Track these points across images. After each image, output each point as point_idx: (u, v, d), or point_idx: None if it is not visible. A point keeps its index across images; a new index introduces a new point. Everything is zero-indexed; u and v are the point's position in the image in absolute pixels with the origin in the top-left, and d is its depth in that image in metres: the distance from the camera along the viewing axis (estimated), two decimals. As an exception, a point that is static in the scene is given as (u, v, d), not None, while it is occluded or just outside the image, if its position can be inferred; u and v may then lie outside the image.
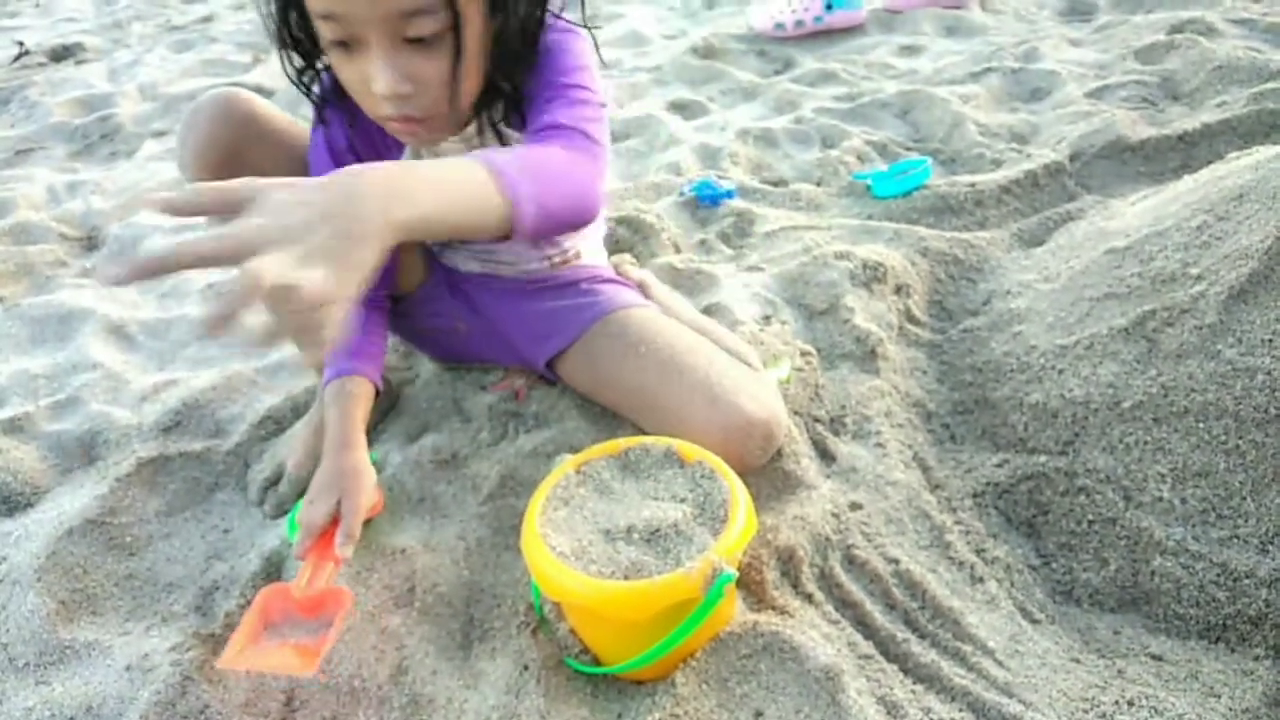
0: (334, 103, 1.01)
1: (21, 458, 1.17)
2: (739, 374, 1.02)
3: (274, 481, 1.12)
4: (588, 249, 1.22)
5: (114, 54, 3.18)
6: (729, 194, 1.73)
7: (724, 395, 0.97)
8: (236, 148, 1.01)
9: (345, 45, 0.83)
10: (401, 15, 0.79)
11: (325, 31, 0.83)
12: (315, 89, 1.02)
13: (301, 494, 1.09)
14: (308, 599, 0.85)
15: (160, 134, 2.42)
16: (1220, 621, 0.91)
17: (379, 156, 1.02)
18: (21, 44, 3.24)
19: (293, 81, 0.99)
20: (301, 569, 0.88)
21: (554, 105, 0.89)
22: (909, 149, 1.87)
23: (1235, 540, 0.94)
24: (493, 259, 1.15)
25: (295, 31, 0.92)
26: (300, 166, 1.06)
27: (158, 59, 3.03)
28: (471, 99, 0.93)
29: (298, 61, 0.97)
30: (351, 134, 1.03)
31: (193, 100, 2.52)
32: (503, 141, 0.98)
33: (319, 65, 0.99)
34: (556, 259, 1.17)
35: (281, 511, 1.09)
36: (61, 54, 3.22)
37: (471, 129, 1.00)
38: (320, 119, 1.04)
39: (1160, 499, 0.98)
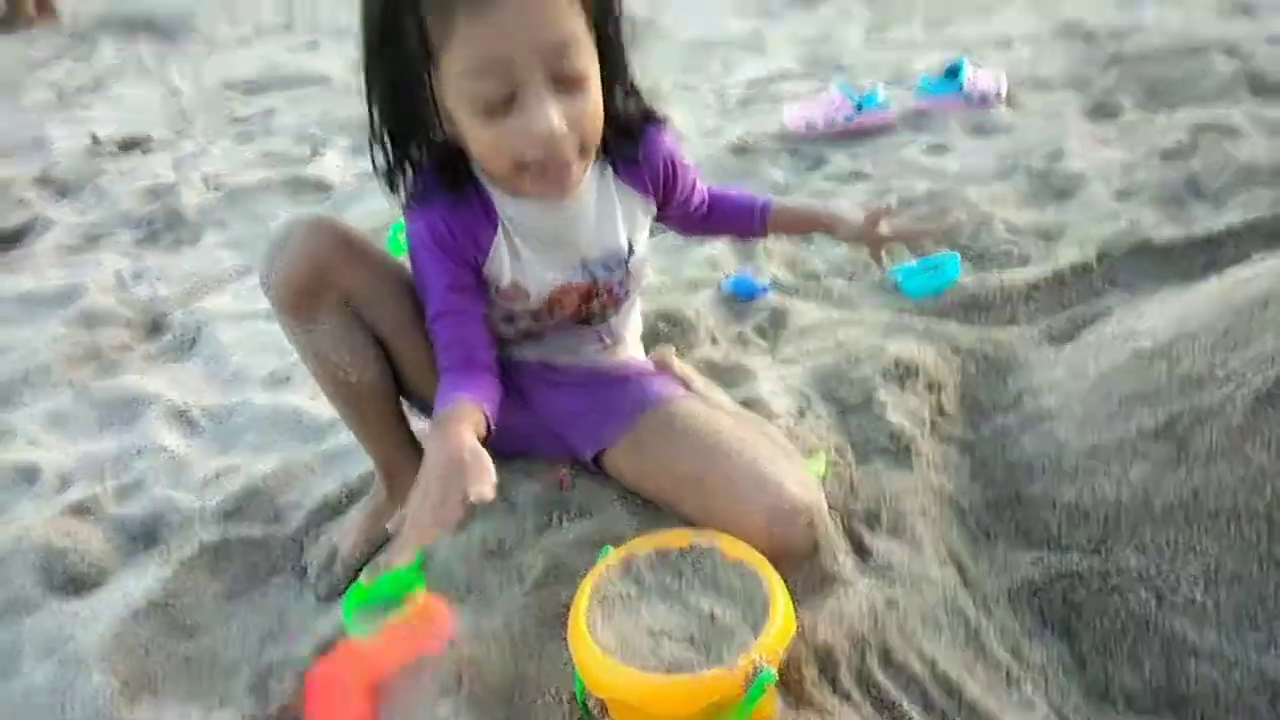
0: (432, 193, 1.01)
1: (88, 539, 1.24)
2: (784, 461, 1.06)
3: (328, 565, 1.16)
4: (631, 337, 1.28)
5: (179, 144, 3.37)
6: (764, 289, 1.79)
7: (770, 479, 1.00)
8: (324, 273, 1.01)
9: (493, 109, 0.87)
10: (557, 49, 0.85)
11: (483, 91, 0.86)
12: (407, 179, 1.02)
13: (354, 576, 1.14)
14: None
15: (221, 223, 2.55)
16: (1261, 730, 0.91)
17: (474, 240, 1.03)
18: (94, 135, 3.45)
19: (384, 177, 1.00)
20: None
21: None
22: (938, 245, 1.92)
23: (1273, 647, 0.94)
24: (551, 346, 1.20)
25: (402, 117, 0.94)
26: (384, 286, 1.07)
27: (220, 150, 3.21)
28: (593, 152, 0.99)
29: (381, 159, 1.00)
30: (451, 220, 1.01)
31: (251, 193, 2.70)
32: (621, 200, 1.10)
33: (411, 157, 1.00)
34: (610, 342, 1.23)
35: (334, 593, 1.13)
36: (130, 144, 3.41)
37: (591, 193, 1.06)
38: (418, 203, 1.02)
39: (1194, 601, 0.99)
